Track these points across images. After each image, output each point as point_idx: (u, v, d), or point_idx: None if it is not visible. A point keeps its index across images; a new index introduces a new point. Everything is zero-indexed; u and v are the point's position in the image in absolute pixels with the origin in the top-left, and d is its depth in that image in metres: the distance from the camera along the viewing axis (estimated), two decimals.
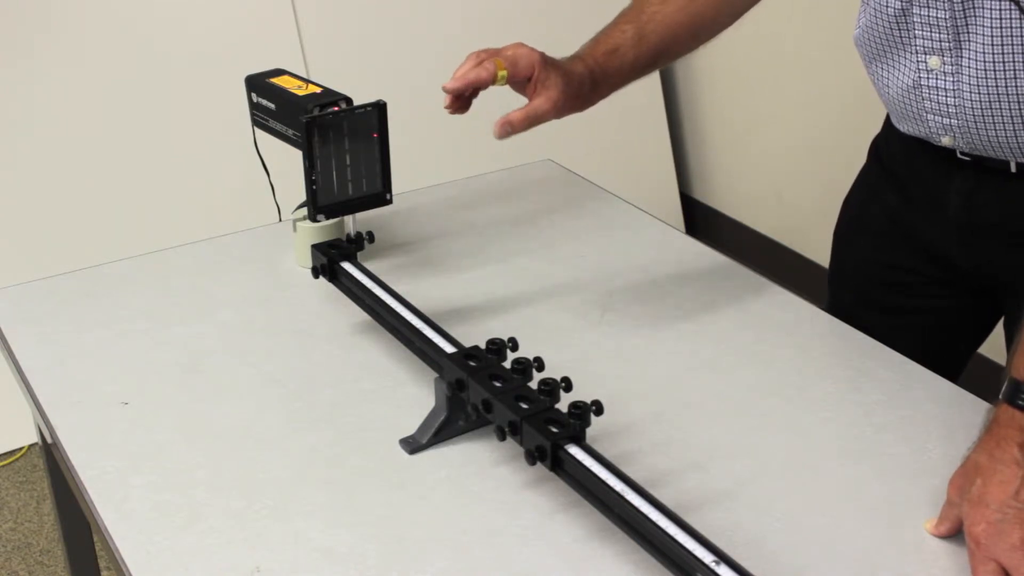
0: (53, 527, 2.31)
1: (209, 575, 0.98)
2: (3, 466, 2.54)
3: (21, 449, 2.57)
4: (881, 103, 1.33)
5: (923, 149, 1.28)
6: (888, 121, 1.35)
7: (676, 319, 1.36)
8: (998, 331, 1.39)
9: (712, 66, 3.22)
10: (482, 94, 1.31)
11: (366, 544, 1.01)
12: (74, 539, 1.62)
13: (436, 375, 1.14)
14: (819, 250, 2.98)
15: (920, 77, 1.21)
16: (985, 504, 0.94)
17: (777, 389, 1.22)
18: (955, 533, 0.99)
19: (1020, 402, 0.96)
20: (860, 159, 1.46)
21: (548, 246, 1.54)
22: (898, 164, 1.34)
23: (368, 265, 1.36)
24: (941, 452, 1.10)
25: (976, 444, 0.99)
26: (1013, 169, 1.21)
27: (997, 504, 0.94)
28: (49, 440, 1.24)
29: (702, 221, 3.40)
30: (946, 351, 1.38)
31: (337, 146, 1.28)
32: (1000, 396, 0.98)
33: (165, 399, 1.22)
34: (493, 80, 1.25)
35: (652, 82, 3.23)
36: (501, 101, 1.35)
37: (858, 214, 1.45)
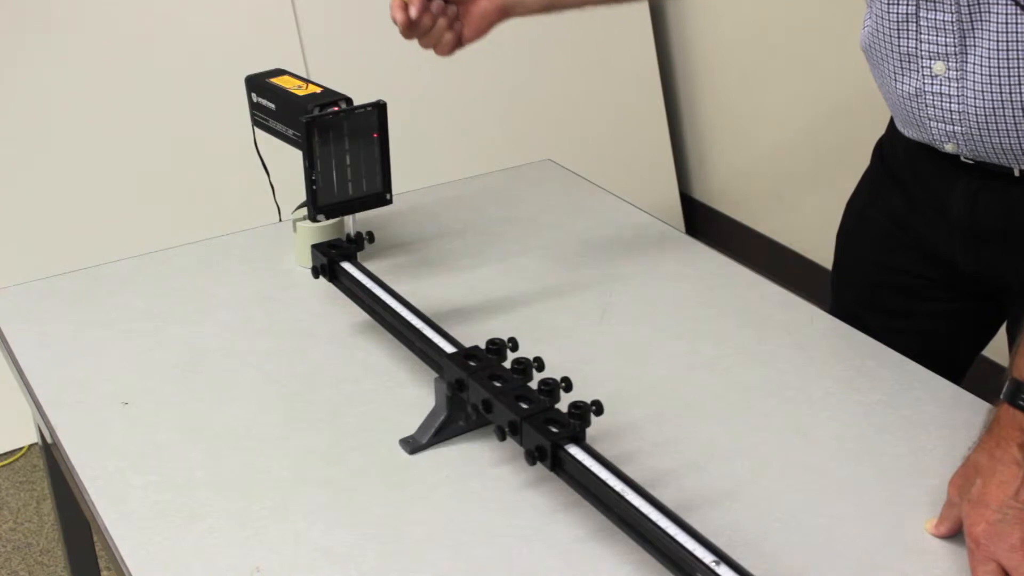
0: (53, 527, 2.31)
1: (209, 575, 0.98)
2: (3, 466, 2.54)
3: (21, 449, 2.57)
4: (883, 105, 1.33)
5: (927, 153, 1.28)
6: (892, 124, 1.35)
7: (676, 319, 1.36)
8: (1000, 333, 1.39)
9: (712, 66, 3.22)
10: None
11: (366, 544, 1.01)
12: (74, 539, 1.62)
13: (436, 375, 1.14)
14: (819, 250, 2.98)
15: (924, 84, 1.21)
16: (985, 504, 0.94)
17: (777, 389, 1.22)
18: (955, 533, 0.99)
19: (1021, 402, 0.96)
20: (860, 159, 1.45)
21: (548, 246, 1.54)
22: (902, 167, 1.34)
23: (368, 265, 1.36)
24: (941, 452, 1.10)
25: (976, 444, 0.99)
26: (1016, 174, 1.21)
27: (997, 504, 0.94)
28: (49, 440, 1.24)
29: (702, 221, 3.40)
30: (949, 354, 1.38)
31: (337, 146, 1.28)
32: (1001, 396, 0.98)
33: (165, 399, 1.22)
34: None
35: (652, 82, 3.24)
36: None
37: (861, 216, 1.45)
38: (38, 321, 1.38)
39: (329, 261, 1.32)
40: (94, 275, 1.48)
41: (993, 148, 1.19)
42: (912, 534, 1.01)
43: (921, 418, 1.16)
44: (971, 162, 1.23)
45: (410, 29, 1.27)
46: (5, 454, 2.57)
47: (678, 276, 1.46)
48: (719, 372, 1.26)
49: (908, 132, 1.29)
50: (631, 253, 1.52)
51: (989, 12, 1.11)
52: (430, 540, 1.01)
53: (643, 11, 3.16)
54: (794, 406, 1.19)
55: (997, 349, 1.34)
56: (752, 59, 3.08)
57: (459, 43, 1.32)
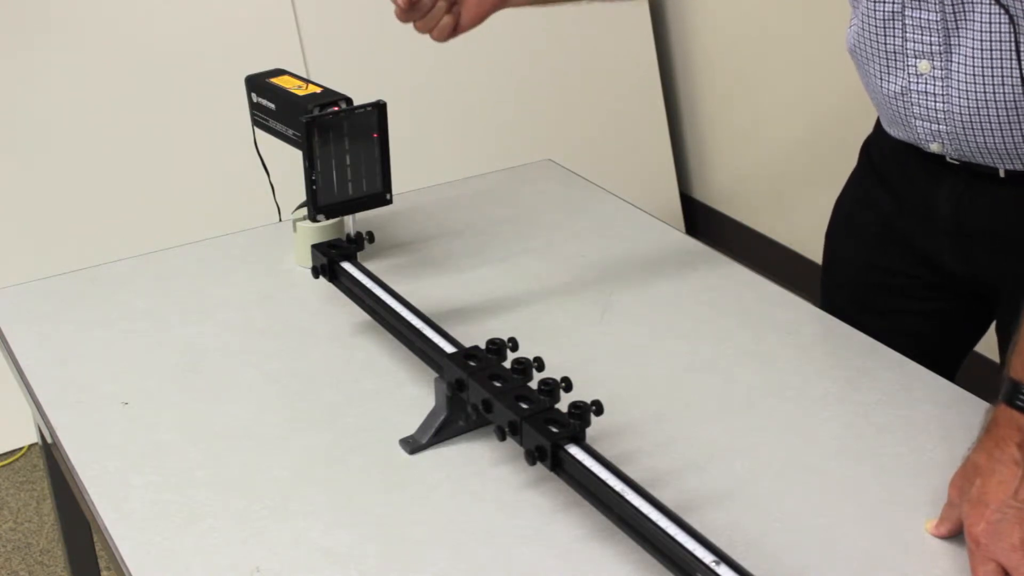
0: (53, 527, 2.31)
1: (209, 575, 0.98)
2: (3, 466, 2.54)
3: (21, 449, 2.57)
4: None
5: (913, 153, 1.28)
6: (879, 123, 1.35)
7: (676, 319, 1.36)
8: (990, 330, 1.39)
9: (712, 66, 3.22)
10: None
11: (366, 544, 1.01)
12: (74, 539, 1.62)
13: (436, 375, 1.14)
14: (819, 250, 2.97)
15: (910, 82, 1.21)
16: (984, 504, 0.94)
17: (777, 389, 1.22)
18: (955, 534, 0.99)
19: (1019, 402, 0.96)
20: None
21: (548, 246, 1.54)
22: (889, 167, 1.34)
23: (368, 265, 1.36)
24: (941, 452, 1.10)
25: (975, 445, 0.99)
26: (1002, 175, 1.21)
27: (996, 504, 0.94)
28: (49, 440, 1.24)
29: (702, 221, 3.40)
30: (939, 353, 1.38)
31: (337, 146, 1.28)
32: (999, 396, 0.99)
33: (165, 399, 1.22)
34: None
35: (652, 82, 3.24)
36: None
37: (849, 216, 1.45)
38: (38, 321, 1.38)
39: (329, 261, 1.32)
40: (94, 275, 1.48)
41: (978, 147, 1.19)
42: (912, 534, 1.01)
43: (921, 418, 1.16)
44: (957, 163, 1.24)
45: (409, 11, 1.24)
46: (5, 454, 2.57)
47: (678, 276, 1.46)
48: (719, 372, 1.26)
49: (894, 132, 1.29)
50: (631, 253, 1.52)
51: (973, 11, 1.11)
52: (430, 540, 1.01)
53: (643, 11, 3.16)
54: (794, 406, 1.19)
55: (994, 348, 1.34)
56: (752, 59, 3.08)
57: (456, 29, 1.29)
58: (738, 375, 1.25)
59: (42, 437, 1.47)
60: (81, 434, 1.17)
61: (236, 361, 1.29)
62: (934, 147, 1.23)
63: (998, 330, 1.35)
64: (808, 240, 3.06)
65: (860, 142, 1.43)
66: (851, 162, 1.45)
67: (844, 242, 1.46)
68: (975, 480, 0.96)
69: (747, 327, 1.34)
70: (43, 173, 2.55)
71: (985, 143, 1.18)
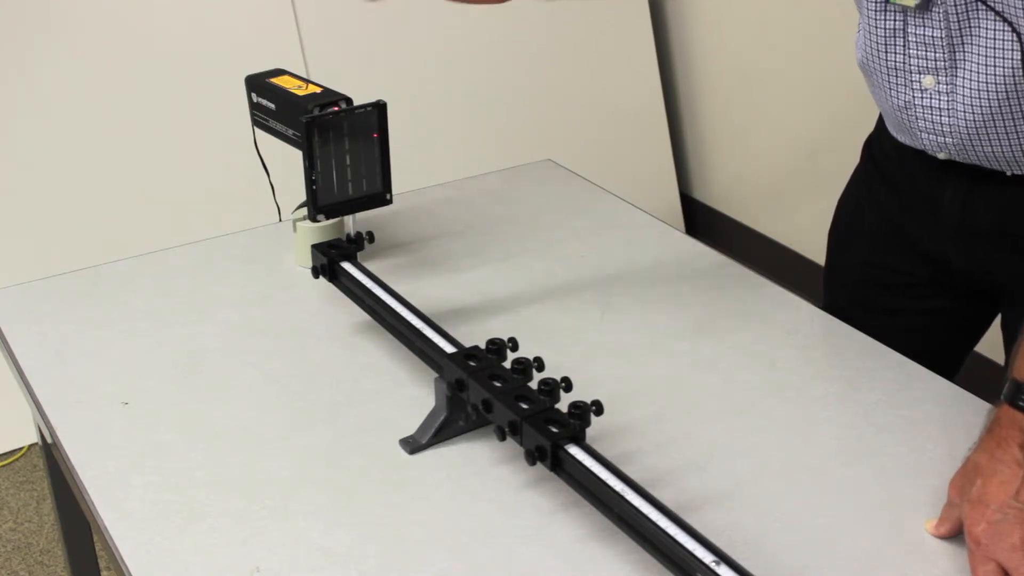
0: (53, 527, 2.31)
1: (209, 575, 0.98)
2: (3, 466, 2.54)
3: (21, 449, 2.57)
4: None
5: (916, 153, 1.28)
6: (881, 121, 1.35)
7: (676, 319, 1.36)
8: (994, 329, 1.39)
9: (712, 66, 3.22)
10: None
11: (366, 544, 1.01)
12: (74, 539, 1.62)
13: (436, 375, 1.14)
14: (819, 250, 2.97)
15: (914, 97, 1.20)
16: (985, 504, 0.94)
17: (777, 389, 1.22)
18: (955, 534, 0.99)
19: (1021, 403, 0.96)
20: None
21: (548, 246, 1.54)
22: (891, 165, 1.34)
23: (368, 265, 1.36)
24: (941, 452, 1.10)
25: (976, 445, 0.99)
26: (1008, 175, 1.21)
27: (997, 504, 0.94)
28: (49, 440, 1.24)
29: (702, 221, 3.40)
30: (942, 351, 1.38)
31: (337, 146, 1.28)
32: (1001, 397, 0.99)
33: (165, 399, 1.22)
34: None
35: (652, 82, 3.24)
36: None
37: (852, 215, 1.45)
38: (38, 321, 1.38)
39: (329, 261, 1.32)
40: (94, 275, 1.48)
41: (985, 156, 1.19)
42: (912, 534, 1.01)
43: (921, 418, 1.16)
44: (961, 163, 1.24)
45: None
46: (5, 454, 2.57)
47: (678, 276, 1.46)
48: (719, 372, 1.26)
49: (901, 138, 1.29)
50: (631, 253, 1.52)
51: (978, 27, 1.11)
52: (430, 540, 1.01)
53: (643, 11, 3.16)
54: (794, 406, 1.19)
55: (993, 347, 1.34)
56: (752, 59, 3.08)
57: None
58: (738, 375, 1.25)
59: (42, 437, 1.47)
60: (81, 434, 1.17)
61: (236, 361, 1.29)
62: (941, 156, 1.23)
63: (1003, 328, 1.35)
64: (808, 240, 3.07)
65: (861, 142, 1.43)
66: (852, 162, 1.45)
67: (847, 241, 1.46)
68: (976, 480, 0.96)
69: (747, 327, 1.34)
70: (43, 173, 2.55)
71: (992, 152, 1.18)
